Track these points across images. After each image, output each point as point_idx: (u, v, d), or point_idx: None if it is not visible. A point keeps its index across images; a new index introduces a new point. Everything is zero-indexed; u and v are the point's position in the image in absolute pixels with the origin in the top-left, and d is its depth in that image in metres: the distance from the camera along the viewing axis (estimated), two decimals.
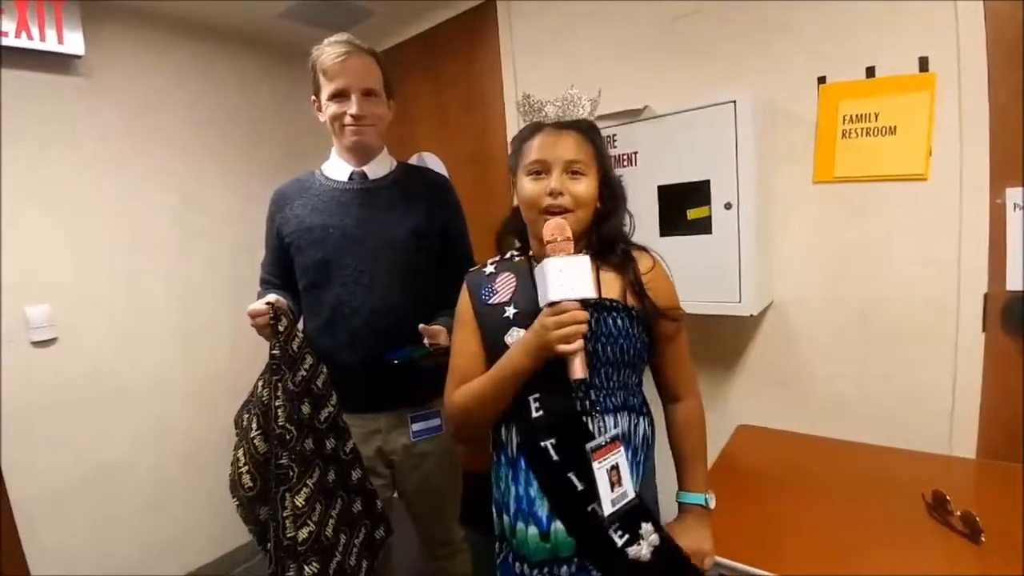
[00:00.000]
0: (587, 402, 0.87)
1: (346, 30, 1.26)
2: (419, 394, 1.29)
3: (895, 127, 1.29)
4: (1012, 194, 1.18)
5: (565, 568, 0.86)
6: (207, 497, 2.15)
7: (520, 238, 1.02)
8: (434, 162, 2.36)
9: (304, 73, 1.27)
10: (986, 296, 1.23)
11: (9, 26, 1.63)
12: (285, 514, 0.96)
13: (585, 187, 0.89)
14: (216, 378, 2.20)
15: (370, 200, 1.28)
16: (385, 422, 1.30)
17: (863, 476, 1.21)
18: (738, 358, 1.62)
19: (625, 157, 1.49)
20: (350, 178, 1.29)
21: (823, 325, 1.46)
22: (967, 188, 1.22)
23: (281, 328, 1.04)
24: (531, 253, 0.98)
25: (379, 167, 1.32)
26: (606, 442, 0.84)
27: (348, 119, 1.22)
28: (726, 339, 1.60)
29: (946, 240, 1.26)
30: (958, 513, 0.96)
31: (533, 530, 0.86)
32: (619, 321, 0.88)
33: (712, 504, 0.96)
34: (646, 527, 0.85)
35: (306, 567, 0.97)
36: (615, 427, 0.88)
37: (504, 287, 0.95)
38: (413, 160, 2.40)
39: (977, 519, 0.92)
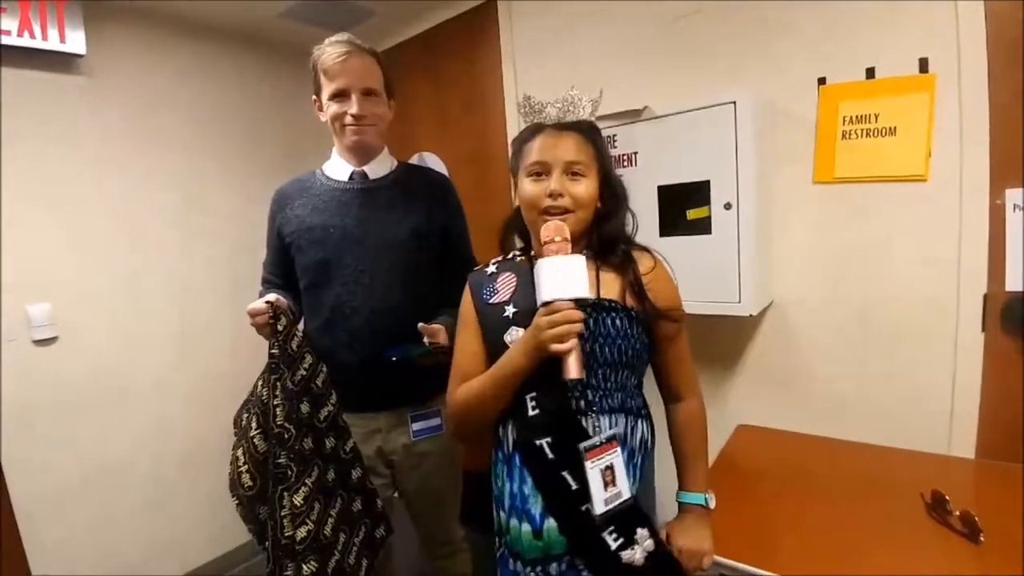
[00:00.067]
0: (583, 402, 0.87)
1: (347, 30, 1.26)
2: (419, 393, 1.30)
3: (895, 128, 1.29)
4: (1012, 195, 1.18)
5: (555, 566, 0.86)
6: (207, 497, 2.15)
7: (523, 238, 1.02)
8: (435, 162, 2.36)
9: (305, 73, 1.28)
10: (986, 296, 1.23)
11: (11, 25, 1.63)
12: (283, 513, 0.96)
13: (585, 188, 0.89)
14: (216, 378, 2.21)
15: (371, 200, 1.28)
16: (385, 421, 1.30)
17: (863, 476, 1.21)
18: (738, 358, 1.62)
19: (625, 157, 1.50)
20: (351, 178, 1.29)
21: (823, 325, 1.46)
22: (967, 188, 1.22)
23: (280, 327, 1.04)
24: (532, 253, 0.98)
25: (380, 167, 1.32)
26: (601, 442, 0.84)
27: (349, 119, 1.22)
28: (726, 339, 1.61)
29: (946, 240, 1.26)
30: (957, 513, 0.96)
31: (526, 527, 0.87)
32: (618, 322, 0.88)
33: (712, 504, 0.96)
34: (641, 532, 0.84)
35: (304, 566, 0.97)
36: (611, 428, 0.88)
37: (505, 287, 0.95)
38: (414, 160, 2.40)
39: (976, 519, 0.92)
